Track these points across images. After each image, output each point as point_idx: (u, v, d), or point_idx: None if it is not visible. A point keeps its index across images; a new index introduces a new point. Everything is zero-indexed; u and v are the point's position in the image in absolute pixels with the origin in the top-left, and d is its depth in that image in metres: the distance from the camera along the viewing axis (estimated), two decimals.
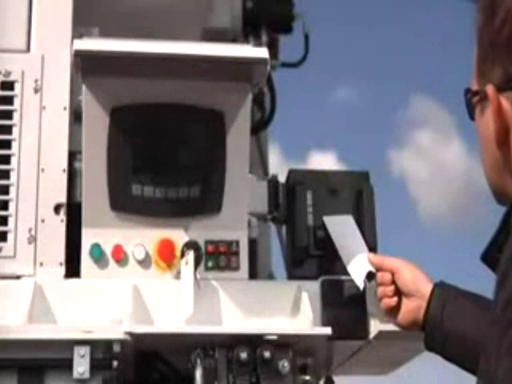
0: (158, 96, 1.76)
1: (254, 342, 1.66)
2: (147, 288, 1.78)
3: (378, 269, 1.73)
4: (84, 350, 1.58)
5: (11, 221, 1.78)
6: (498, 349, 0.89)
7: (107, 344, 1.60)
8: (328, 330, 1.71)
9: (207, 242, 1.83)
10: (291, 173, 1.98)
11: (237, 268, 1.84)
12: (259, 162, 2.93)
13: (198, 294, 1.74)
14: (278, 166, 3.57)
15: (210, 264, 1.82)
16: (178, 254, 1.79)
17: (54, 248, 1.78)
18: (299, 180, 1.96)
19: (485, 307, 1.53)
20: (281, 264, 2.51)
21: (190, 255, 1.76)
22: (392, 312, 1.71)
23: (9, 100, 1.83)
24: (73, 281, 1.78)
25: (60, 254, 1.78)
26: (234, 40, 2.61)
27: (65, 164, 1.83)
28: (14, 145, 1.81)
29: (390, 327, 1.75)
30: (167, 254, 1.80)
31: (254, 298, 1.82)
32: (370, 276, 1.74)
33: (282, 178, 1.99)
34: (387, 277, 1.71)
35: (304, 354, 1.77)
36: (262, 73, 1.69)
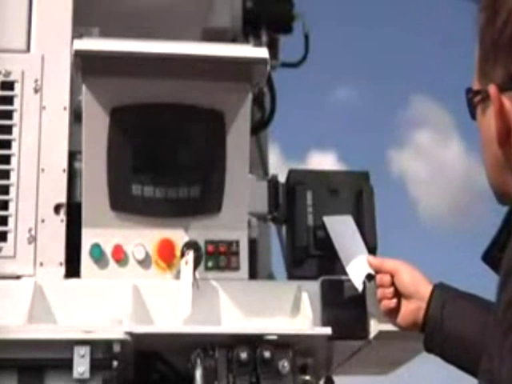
0: (158, 96, 1.76)
1: (253, 342, 1.66)
2: (147, 288, 1.78)
3: (377, 271, 1.73)
4: (84, 350, 1.58)
5: (11, 221, 1.78)
6: (501, 350, 0.89)
7: (107, 344, 1.60)
8: (328, 330, 1.71)
9: (207, 242, 1.82)
10: (291, 173, 1.98)
11: (237, 268, 1.84)
12: (259, 162, 2.92)
13: (197, 294, 1.74)
14: (278, 166, 3.56)
15: (210, 264, 1.82)
16: (178, 254, 1.79)
17: (54, 248, 1.78)
18: (299, 180, 1.96)
19: (484, 308, 1.53)
20: (281, 264, 2.51)
21: (190, 255, 1.76)
22: (392, 314, 1.71)
23: (9, 100, 1.83)
24: (73, 281, 1.78)
25: (60, 254, 1.78)
26: (234, 40, 2.61)
27: (65, 164, 1.83)
28: (14, 145, 1.81)
29: (390, 327, 1.74)
30: (167, 254, 1.80)
31: (254, 298, 1.82)
32: (369, 278, 1.74)
33: (282, 178, 1.99)
34: (386, 279, 1.70)
35: (304, 354, 1.77)
36: (262, 73, 1.69)
